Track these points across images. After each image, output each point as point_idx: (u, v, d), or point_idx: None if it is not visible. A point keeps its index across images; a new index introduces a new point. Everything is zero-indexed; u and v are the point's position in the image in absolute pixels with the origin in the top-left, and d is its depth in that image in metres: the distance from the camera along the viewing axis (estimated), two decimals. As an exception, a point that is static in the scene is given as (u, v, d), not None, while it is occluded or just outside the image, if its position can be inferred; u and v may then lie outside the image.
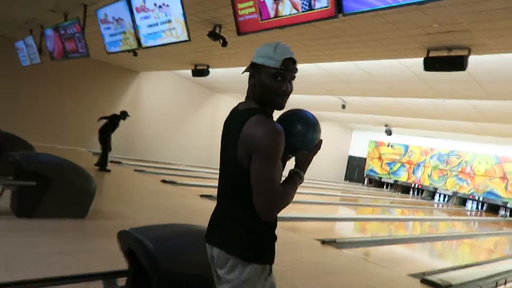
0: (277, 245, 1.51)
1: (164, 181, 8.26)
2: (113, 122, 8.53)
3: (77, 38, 6.34)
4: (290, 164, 1.61)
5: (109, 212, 4.94)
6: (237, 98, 15.39)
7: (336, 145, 20.92)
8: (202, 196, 7.22)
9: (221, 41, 6.36)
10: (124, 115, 8.67)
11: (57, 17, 7.28)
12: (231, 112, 1.58)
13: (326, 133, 19.34)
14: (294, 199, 1.47)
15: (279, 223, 1.53)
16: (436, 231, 9.64)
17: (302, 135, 1.54)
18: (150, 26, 4.91)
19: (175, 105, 13.73)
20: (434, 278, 4.29)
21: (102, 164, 8.27)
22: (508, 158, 16.20)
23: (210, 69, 9.69)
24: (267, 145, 1.34)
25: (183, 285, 1.92)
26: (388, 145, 19.90)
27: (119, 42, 5.62)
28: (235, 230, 1.45)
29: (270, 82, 1.45)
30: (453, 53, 5.44)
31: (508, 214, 16.10)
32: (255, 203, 1.37)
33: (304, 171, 1.53)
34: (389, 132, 16.00)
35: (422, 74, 7.37)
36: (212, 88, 14.44)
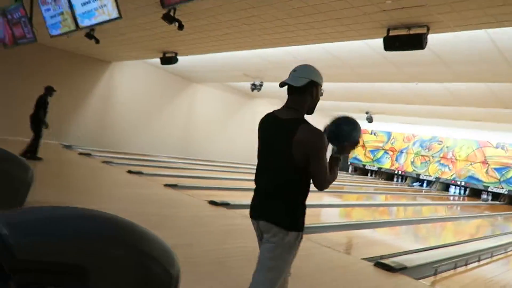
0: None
1: (130, 172, 8.05)
2: (41, 103, 7.83)
3: (23, 22, 6.05)
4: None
5: (52, 202, 4.73)
6: (214, 87, 15.29)
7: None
8: (166, 185, 7.04)
9: (176, 24, 6.12)
10: (49, 90, 7.95)
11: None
12: (273, 117, 2.01)
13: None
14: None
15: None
16: (413, 216, 9.57)
17: (348, 133, 2.05)
18: (84, 4, 4.67)
19: (150, 96, 13.45)
20: (388, 261, 4.17)
21: (30, 151, 7.52)
22: (488, 142, 16.21)
23: (180, 57, 9.43)
24: (322, 147, 1.87)
25: (45, 275, 1.71)
26: (371, 133, 19.83)
27: (59, 24, 5.36)
28: (278, 208, 1.93)
29: (318, 97, 2.01)
30: (412, 31, 5.29)
31: (489, 198, 16.19)
32: (317, 185, 1.91)
33: (342, 156, 2.07)
34: (370, 119, 15.90)
35: (389, 56, 7.22)
36: (188, 78, 14.17)
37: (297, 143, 1.83)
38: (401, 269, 4.06)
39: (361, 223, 6.95)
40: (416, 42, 5.21)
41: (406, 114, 15.42)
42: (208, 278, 3.16)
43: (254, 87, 12.26)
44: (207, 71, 12.55)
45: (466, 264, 5.10)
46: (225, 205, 6.10)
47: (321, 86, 2.00)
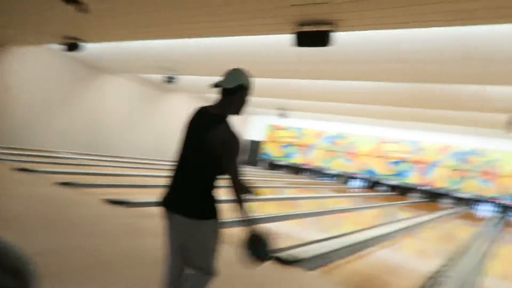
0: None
1: (18, 169, 7.15)
2: None
3: None
4: None
5: None
6: (126, 79, 14.40)
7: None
8: (58, 183, 6.36)
9: (75, 6, 5.55)
10: None
11: None
12: (203, 111, 2.16)
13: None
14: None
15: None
16: (318, 208, 10.02)
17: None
18: None
19: (53, 85, 12.15)
20: (284, 254, 4.17)
21: None
22: (385, 138, 17.78)
23: (89, 45, 8.64)
24: (234, 148, 2.00)
25: None
26: (283, 129, 20.48)
27: None
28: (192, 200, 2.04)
29: (247, 100, 2.11)
30: (320, 28, 5.42)
31: (385, 189, 17.78)
32: (231, 182, 2.03)
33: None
34: (282, 115, 16.35)
35: (299, 53, 7.40)
36: (97, 68, 13.11)
37: (212, 139, 1.97)
38: (296, 262, 4.07)
39: (269, 217, 7.04)
40: (321, 39, 5.36)
41: (317, 110, 16.18)
42: (93, 280, 2.87)
43: (169, 80, 11.79)
44: (118, 61, 11.74)
45: (361, 250, 5.45)
46: (122, 203, 5.70)
47: (249, 90, 2.11)
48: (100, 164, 10.52)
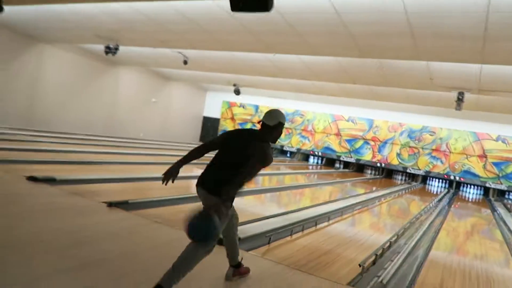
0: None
1: None
2: None
3: None
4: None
5: None
6: (66, 50, 13.18)
7: (190, 105, 20.27)
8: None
9: None
10: None
11: None
12: (244, 131, 2.90)
13: (179, 92, 18.33)
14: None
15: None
16: (277, 184, 9.76)
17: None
18: None
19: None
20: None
21: None
22: (342, 116, 17.83)
23: (20, 10, 7.68)
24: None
25: None
26: (240, 106, 20.01)
27: None
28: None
29: (282, 132, 2.82)
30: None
31: (341, 166, 17.95)
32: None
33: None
34: (237, 92, 15.86)
35: (245, 23, 6.92)
36: (33, 37, 11.85)
37: (255, 147, 2.64)
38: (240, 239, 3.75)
39: None
40: (260, 3, 4.69)
41: (273, 87, 15.83)
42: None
43: (109, 50, 10.90)
44: (53, 29, 10.65)
45: (316, 225, 5.23)
46: (49, 181, 5.07)
47: (283, 125, 2.78)
48: (35, 140, 9.60)
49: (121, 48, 11.03)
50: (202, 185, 2.63)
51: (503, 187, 14.94)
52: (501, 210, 11.21)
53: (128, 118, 16.27)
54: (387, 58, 8.36)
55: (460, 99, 10.08)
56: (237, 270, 2.95)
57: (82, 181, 5.59)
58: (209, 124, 21.02)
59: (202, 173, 2.71)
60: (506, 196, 15.36)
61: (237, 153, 2.64)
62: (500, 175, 14.95)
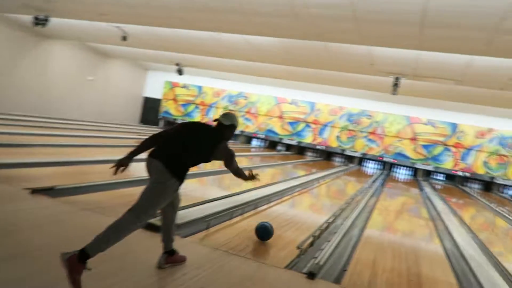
0: None
1: None
2: None
3: None
4: None
5: None
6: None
7: (129, 85, 19.34)
8: None
9: None
10: None
11: None
12: (200, 125, 3.00)
13: (118, 71, 17.22)
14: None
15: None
16: (220, 167, 9.65)
17: None
18: None
19: None
20: (154, 221, 3.65)
21: None
22: (284, 99, 18.04)
23: None
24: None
25: None
26: (183, 86, 19.48)
27: None
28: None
29: (234, 134, 3.07)
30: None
31: (284, 149, 18.26)
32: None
33: None
34: (180, 72, 15.37)
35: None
36: None
37: (220, 150, 2.89)
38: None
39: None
40: None
41: (217, 68, 15.53)
42: None
43: (37, 21, 9.97)
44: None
45: (256, 208, 5.24)
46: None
47: (236, 129, 3.02)
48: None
49: (53, 20, 10.13)
50: (159, 157, 2.63)
51: (430, 167, 16.14)
52: (427, 189, 12.11)
53: (62, 98, 15.15)
54: (330, 41, 8.48)
55: (396, 84, 10.58)
56: (170, 257, 2.85)
57: (6, 166, 5.09)
58: (150, 105, 20.25)
59: (159, 147, 2.73)
60: (433, 176, 16.64)
61: (195, 151, 2.78)
62: (428, 156, 16.10)
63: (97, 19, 9.83)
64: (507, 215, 9.00)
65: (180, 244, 3.10)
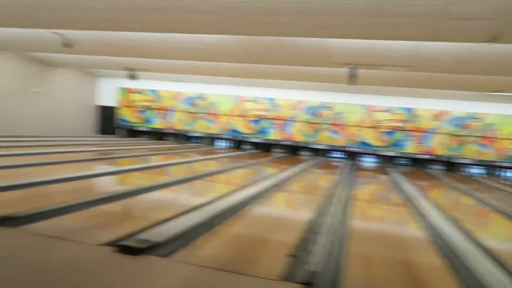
0: None
1: None
2: None
3: None
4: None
5: None
6: None
7: (80, 94, 18.35)
8: None
9: None
10: None
11: None
12: None
13: (66, 81, 16.25)
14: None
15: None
16: (188, 173, 9.23)
17: None
18: None
19: None
20: (130, 241, 3.28)
21: None
22: (245, 97, 17.80)
23: None
24: None
25: None
26: (138, 92, 18.72)
27: None
28: None
29: None
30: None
31: (250, 147, 18.03)
32: None
33: None
34: (132, 77, 14.69)
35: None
36: None
37: None
38: (150, 248, 3.17)
39: (139, 189, 6.02)
40: None
41: (172, 70, 15.03)
42: None
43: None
44: None
45: (235, 214, 4.94)
46: None
47: None
48: None
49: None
50: None
51: (392, 153, 16.52)
52: (394, 174, 12.32)
53: (5, 113, 14.02)
54: (282, 36, 8.36)
55: (353, 75, 10.64)
56: None
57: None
58: (105, 114, 19.31)
59: None
60: (395, 161, 17.07)
61: None
62: (391, 142, 16.48)
63: (32, 26, 9.09)
64: (470, 193, 9.29)
65: (160, 267, 2.74)
